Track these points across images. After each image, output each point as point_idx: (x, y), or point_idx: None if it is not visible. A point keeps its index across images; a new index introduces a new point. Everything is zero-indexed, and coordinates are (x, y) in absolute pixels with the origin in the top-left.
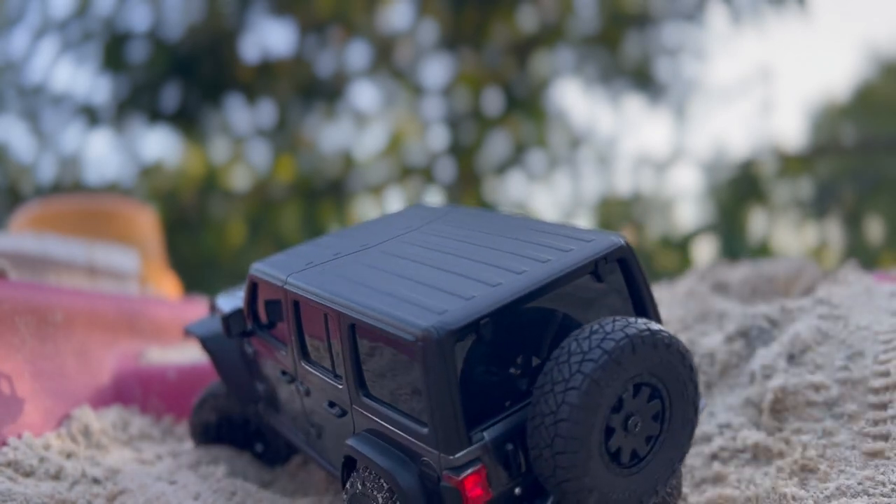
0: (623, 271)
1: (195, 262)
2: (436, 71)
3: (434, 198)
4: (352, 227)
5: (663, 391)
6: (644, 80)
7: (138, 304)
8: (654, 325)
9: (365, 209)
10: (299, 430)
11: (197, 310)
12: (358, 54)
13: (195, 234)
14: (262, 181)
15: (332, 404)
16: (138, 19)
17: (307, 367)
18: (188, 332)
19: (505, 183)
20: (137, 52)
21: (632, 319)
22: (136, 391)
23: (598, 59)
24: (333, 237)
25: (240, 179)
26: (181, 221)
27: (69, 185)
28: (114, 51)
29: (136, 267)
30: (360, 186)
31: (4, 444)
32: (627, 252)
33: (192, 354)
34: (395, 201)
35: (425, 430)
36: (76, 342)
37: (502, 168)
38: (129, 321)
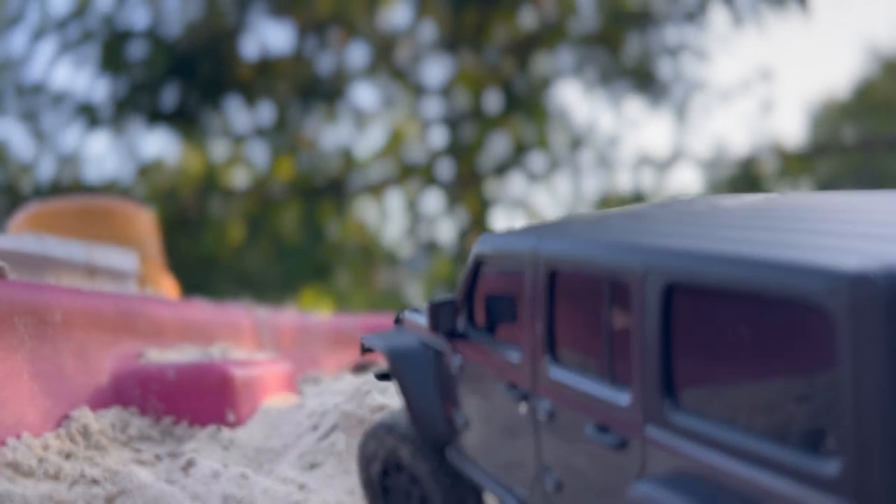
0: None
1: (194, 262)
2: (436, 71)
3: (436, 198)
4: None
5: None
6: (645, 80)
7: (138, 304)
8: None
9: (365, 209)
10: (520, 479)
11: (197, 310)
12: (358, 54)
13: (194, 234)
14: (262, 181)
15: (602, 429)
16: (137, 19)
17: (556, 374)
18: (366, 346)
19: (505, 183)
20: (136, 52)
21: None
22: (135, 392)
23: (599, 59)
24: (583, 222)
25: (239, 179)
26: (180, 221)
27: (68, 184)
28: (113, 50)
29: (135, 268)
30: (360, 186)
31: (3, 444)
32: None
33: (191, 354)
34: (395, 201)
35: (837, 471)
36: (75, 342)
37: (502, 168)
38: (128, 321)
